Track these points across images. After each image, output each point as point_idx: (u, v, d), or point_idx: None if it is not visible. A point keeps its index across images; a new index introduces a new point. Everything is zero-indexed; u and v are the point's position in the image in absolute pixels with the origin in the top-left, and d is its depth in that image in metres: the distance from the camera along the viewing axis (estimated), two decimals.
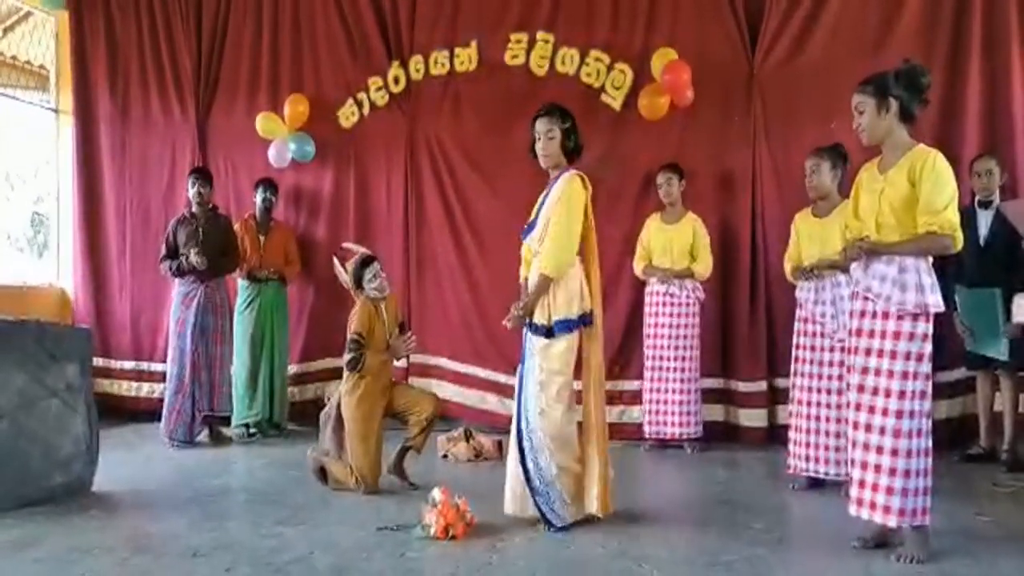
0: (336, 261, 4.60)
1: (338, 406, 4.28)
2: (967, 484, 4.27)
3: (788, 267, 4.33)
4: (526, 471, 3.44)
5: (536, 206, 3.63)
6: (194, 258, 5.40)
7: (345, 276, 4.41)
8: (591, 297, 3.55)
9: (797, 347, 4.21)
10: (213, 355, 5.54)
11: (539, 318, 3.46)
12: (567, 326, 3.44)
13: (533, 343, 3.48)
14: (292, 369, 6.23)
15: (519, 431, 3.47)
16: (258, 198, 6.00)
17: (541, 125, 3.56)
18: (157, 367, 6.37)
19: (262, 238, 5.94)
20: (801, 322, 4.20)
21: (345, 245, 4.67)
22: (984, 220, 4.64)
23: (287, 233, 6.14)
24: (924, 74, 3.06)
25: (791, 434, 4.23)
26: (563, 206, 3.45)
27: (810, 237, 4.19)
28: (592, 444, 3.52)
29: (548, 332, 3.44)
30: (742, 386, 5.45)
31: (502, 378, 5.79)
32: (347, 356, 4.17)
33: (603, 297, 5.60)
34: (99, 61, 6.68)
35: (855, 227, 3.23)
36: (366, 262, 4.32)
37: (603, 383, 3.64)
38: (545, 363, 3.44)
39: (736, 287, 5.49)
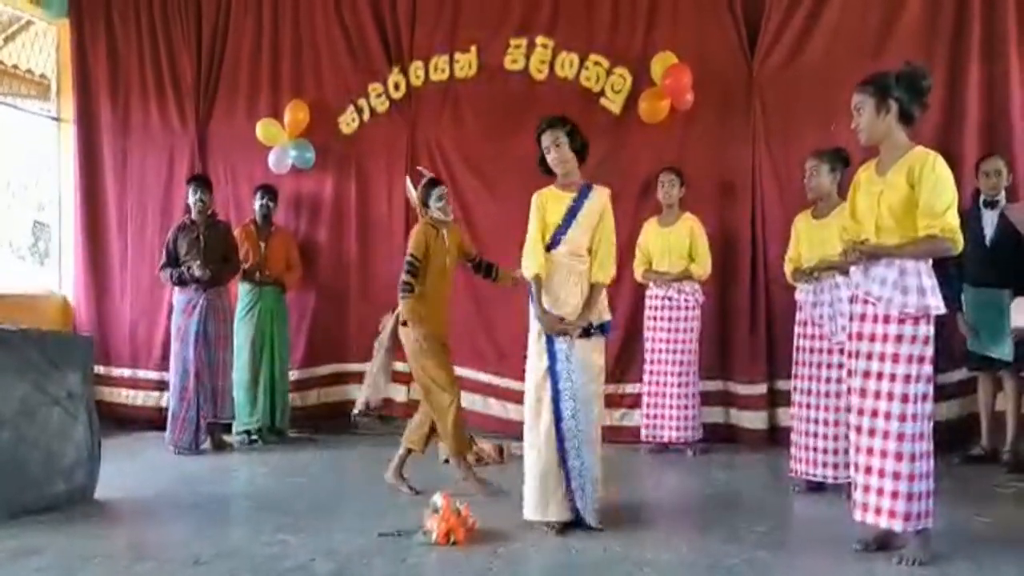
0: (408, 180, 4.65)
1: (392, 335, 4.35)
2: (968, 485, 4.26)
3: (788, 269, 4.34)
4: (568, 471, 3.47)
5: (563, 213, 3.62)
6: (196, 271, 5.41)
7: (414, 194, 4.41)
8: None
9: (797, 349, 4.22)
10: (216, 362, 5.54)
11: (594, 319, 3.58)
12: (610, 326, 3.72)
13: (575, 345, 3.52)
14: (294, 375, 6.24)
15: (563, 431, 3.47)
16: (257, 204, 5.99)
17: (548, 138, 3.64)
18: (157, 375, 6.38)
19: (263, 244, 5.94)
20: (801, 325, 4.20)
21: (419, 168, 4.62)
22: (990, 220, 4.64)
23: (288, 238, 6.15)
24: (925, 77, 3.06)
25: (793, 437, 4.23)
26: (609, 220, 3.65)
27: (810, 239, 4.19)
28: None
29: (600, 330, 3.60)
30: (742, 388, 5.45)
31: (504, 382, 5.79)
32: (401, 278, 4.17)
33: None
34: (100, 70, 6.70)
35: (852, 229, 3.23)
36: (434, 183, 4.35)
37: None
38: (597, 360, 3.60)
39: (736, 289, 5.50)
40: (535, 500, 3.52)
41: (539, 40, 5.80)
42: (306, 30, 6.35)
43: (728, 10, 5.52)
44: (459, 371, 5.94)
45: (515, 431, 5.66)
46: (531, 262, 3.59)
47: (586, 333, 3.55)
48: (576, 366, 3.51)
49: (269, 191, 6.02)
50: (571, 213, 3.61)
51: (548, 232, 3.62)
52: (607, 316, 3.67)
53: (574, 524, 3.51)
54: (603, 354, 3.66)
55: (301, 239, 6.35)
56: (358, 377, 6.17)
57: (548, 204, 3.65)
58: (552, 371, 3.51)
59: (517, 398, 5.76)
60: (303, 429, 6.18)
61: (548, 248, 3.61)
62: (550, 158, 3.65)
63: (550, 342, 3.53)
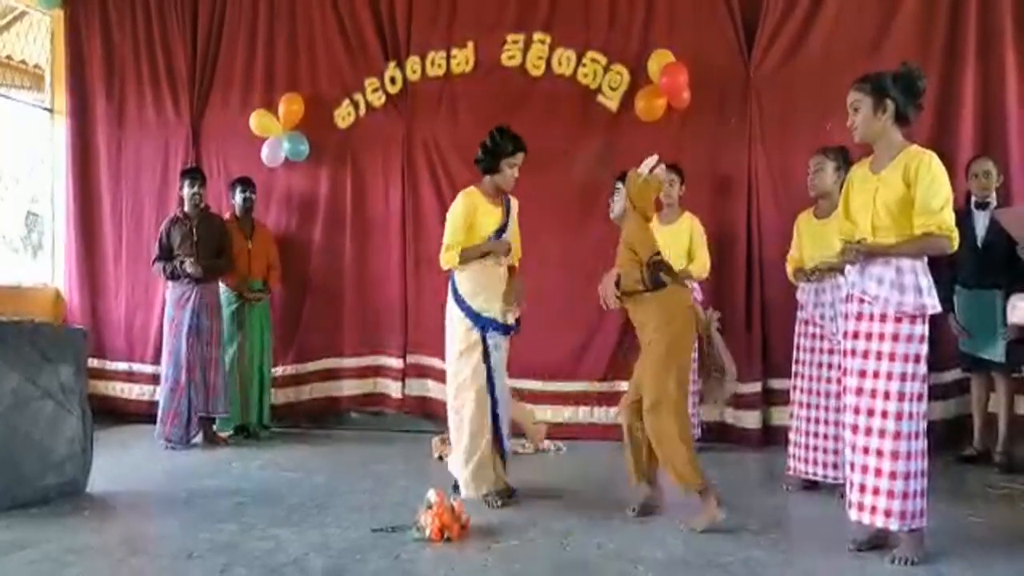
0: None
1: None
2: (961, 485, 4.28)
3: (790, 268, 4.33)
4: (503, 449, 4.05)
5: (496, 225, 4.04)
6: (189, 268, 5.38)
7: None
8: None
9: (797, 348, 4.22)
10: (208, 356, 5.51)
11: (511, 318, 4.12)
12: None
13: (500, 341, 4.05)
14: (288, 370, 6.23)
15: (499, 416, 4.02)
16: (238, 198, 5.88)
17: (520, 160, 4.05)
18: (151, 368, 6.35)
19: (250, 243, 5.86)
20: (802, 324, 4.21)
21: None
22: (981, 221, 4.65)
23: (269, 236, 6.07)
24: (920, 78, 3.07)
25: (791, 436, 4.24)
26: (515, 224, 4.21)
27: (811, 238, 4.19)
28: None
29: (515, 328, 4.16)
30: (738, 387, 5.43)
31: None
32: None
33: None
34: (94, 61, 6.67)
35: (846, 228, 3.23)
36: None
37: None
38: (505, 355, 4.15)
39: (732, 288, 5.49)
40: (480, 478, 3.95)
41: (536, 36, 5.79)
42: (302, 23, 6.31)
43: (725, 9, 5.52)
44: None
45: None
46: (454, 254, 3.98)
47: (506, 332, 4.03)
48: (501, 358, 4.02)
49: (249, 184, 5.93)
50: (503, 226, 4.06)
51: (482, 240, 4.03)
52: (518, 314, 4.13)
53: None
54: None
55: (294, 233, 6.33)
56: (351, 373, 6.19)
57: (479, 213, 4.01)
58: (487, 363, 3.96)
59: (512, 395, 5.79)
60: (293, 425, 6.16)
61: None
62: (511, 176, 4.02)
63: (483, 335, 3.96)
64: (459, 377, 4.02)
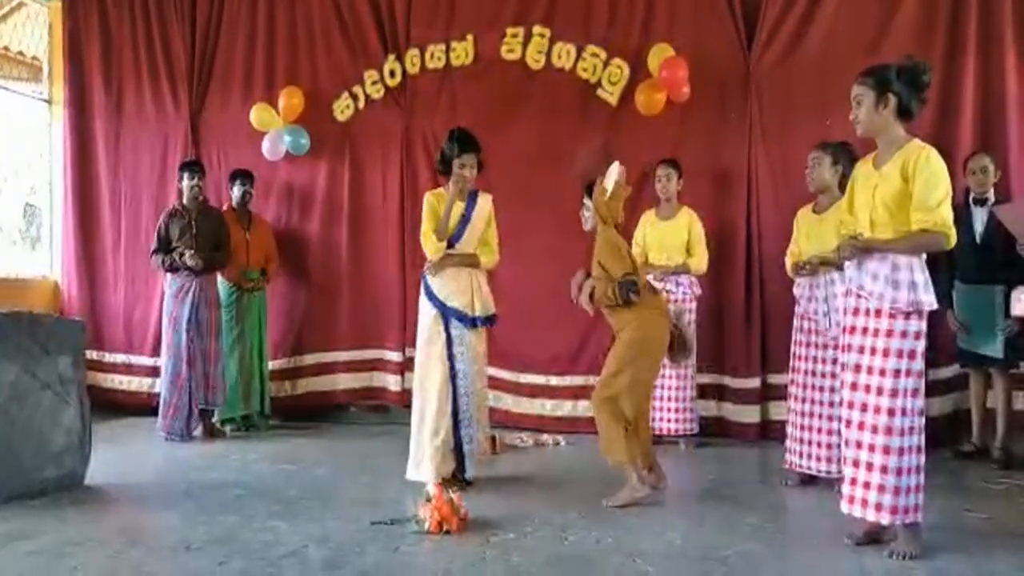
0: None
1: None
2: (959, 481, 4.28)
3: (789, 263, 4.33)
4: (460, 437, 4.05)
5: (457, 219, 4.15)
6: (189, 260, 5.37)
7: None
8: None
9: (794, 343, 4.22)
10: (208, 349, 5.51)
11: (480, 312, 4.16)
12: (495, 320, 4.26)
13: (466, 333, 4.12)
14: (284, 363, 6.23)
15: (459, 406, 4.06)
16: (236, 192, 5.90)
17: (470, 159, 4.17)
18: (149, 361, 6.35)
19: (248, 235, 5.88)
20: (798, 319, 4.21)
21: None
22: (980, 217, 4.64)
23: (267, 229, 6.08)
24: (925, 72, 3.04)
25: (788, 430, 4.24)
26: (493, 222, 4.29)
27: (809, 233, 4.19)
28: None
29: (488, 322, 4.20)
30: (736, 382, 5.46)
31: (498, 373, 5.80)
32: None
33: None
34: (92, 52, 6.65)
35: (849, 223, 3.23)
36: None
37: None
38: (479, 347, 4.20)
39: (731, 283, 5.49)
40: (430, 465, 4.01)
41: (536, 30, 5.78)
42: (301, 15, 6.30)
43: (726, 3, 5.50)
44: None
45: (505, 420, 5.71)
46: (434, 246, 4.11)
47: (473, 324, 4.08)
48: (467, 350, 4.08)
49: (249, 177, 5.94)
50: (464, 220, 4.16)
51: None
52: (492, 310, 4.19)
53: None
54: (484, 342, 4.24)
55: (293, 226, 6.33)
56: (347, 366, 6.19)
57: (442, 211, 4.12)
58: (450, 354, 4.06)
59: (511, 389, 5.80)
60: (292, 418, 6.16)
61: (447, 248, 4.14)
62: (464, 175, 4.13)
63: (447, 327, 4.07)
64: (423, 368, 4.15)
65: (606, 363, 3.94)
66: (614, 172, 3.88)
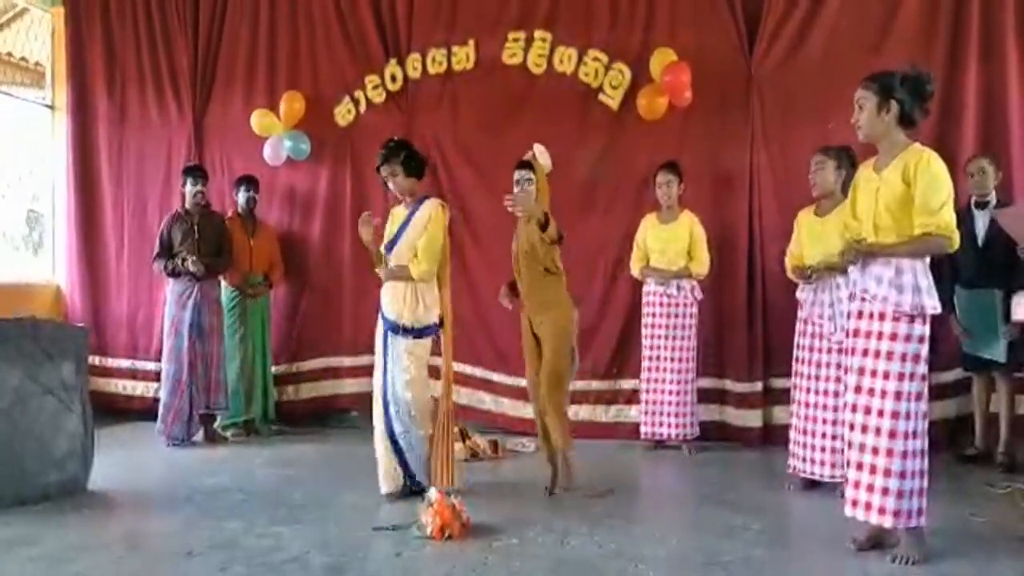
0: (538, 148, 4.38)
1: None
2: (962, 485, 4.27)
3: (789, 264, 4.33)
4: (399, 449, 4.00)
5: (396, 227, 4.16)
6: (191, 266, 5.38)
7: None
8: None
9: (798, 347, 4.22)
10: (210, 353, 5.51)
11: (407, 322, 4.05)
12: (434, 330, 4.15)
13: (395, 341, 4.06)
14: (290, 369, 6.23)
15: (389, 414, 4.01)
16: (241, 197, 5.91)
17: (384, 171, 4.13)
18: (152, 366, 6.35)
19: (252, 241, 5.89)
20: (801, 323, 4.21)
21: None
22: (981, 220, 4.63)
23: (272, 235, 6.09)
24: (930, 82, 3.05)
25: (791, 434, 4.24)
26: (433, 227, 4.06)
27: (811, 236, 4.18)
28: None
29: (413, 333, 4.06)
30: (738, 386, 5.44)
31: (498, 377, 5.80)
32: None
33: (601, 297, 5.65)
34: (95, 58, 6.66)
35: (853, 227, 3.23)
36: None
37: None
38: (405, 355, 4.06)
39: (733, 287, 5.48)
40: (381, 475, 4.03)
41: (537, 34, 5.78)
42: (303, 20, 6.30)
43: (727, 7, 5.50)
44: (453, 365, 5.99)
45: (509, 425, 5.70)
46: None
47: (395, 331, 4.03)
48: (394, 358, 4.02)
49: (253, 182, 5.96)
50: (402, 226, 4.12)
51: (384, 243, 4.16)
52: (428, 320, 4.06)
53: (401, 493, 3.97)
54: (423, 349, 4.11)
55: (295, 231, 6.33)
56: (350, 372, 6.18)
57: (391, 219, 4.23)
58: (385, 363, 4.05)
59: (512, 393, 5.79)
60: (294, 423, 6.16)
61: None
62: (391, 185, 4.14)
63: (384, 338, 4.07)
64: (374, 378, 4.17)
65: (544, 359, 4.08)
66: (543, 150, 4.14)
